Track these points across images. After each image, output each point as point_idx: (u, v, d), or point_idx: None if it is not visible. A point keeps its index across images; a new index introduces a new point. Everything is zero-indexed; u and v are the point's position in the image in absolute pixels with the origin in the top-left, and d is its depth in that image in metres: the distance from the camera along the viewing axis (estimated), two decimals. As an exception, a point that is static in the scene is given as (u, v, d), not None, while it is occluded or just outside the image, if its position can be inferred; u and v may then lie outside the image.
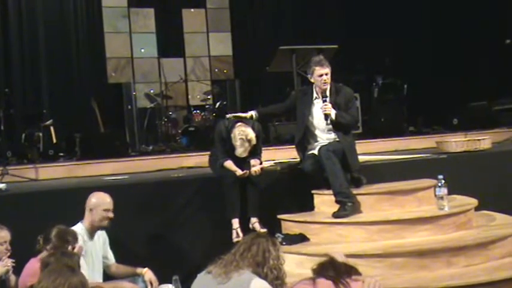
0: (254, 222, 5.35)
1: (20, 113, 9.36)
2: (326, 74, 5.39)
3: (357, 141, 5.84)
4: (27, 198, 5.34)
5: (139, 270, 4.68)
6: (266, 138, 8.39)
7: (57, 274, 2.82)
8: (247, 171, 5.32)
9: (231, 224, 5.30)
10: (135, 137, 10.12)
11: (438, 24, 12.12)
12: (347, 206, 5.16)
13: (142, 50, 11.57)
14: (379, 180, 5.79)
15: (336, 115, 5.37)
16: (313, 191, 5.61)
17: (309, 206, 5.61)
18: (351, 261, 3.23)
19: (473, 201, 5.46)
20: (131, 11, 11.50)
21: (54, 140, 8.64)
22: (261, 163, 5.46)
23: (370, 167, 6.13)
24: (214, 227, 5.52)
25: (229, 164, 5.37)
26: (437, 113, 10.62)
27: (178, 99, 11.41)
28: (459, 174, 6.13)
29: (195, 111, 10.43)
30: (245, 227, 5.27)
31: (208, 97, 10.90)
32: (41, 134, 8.49)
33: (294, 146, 5.77)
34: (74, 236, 4.14)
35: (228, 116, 5.67)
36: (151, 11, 11.64)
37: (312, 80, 5.50)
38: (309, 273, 3.11)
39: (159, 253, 5.33)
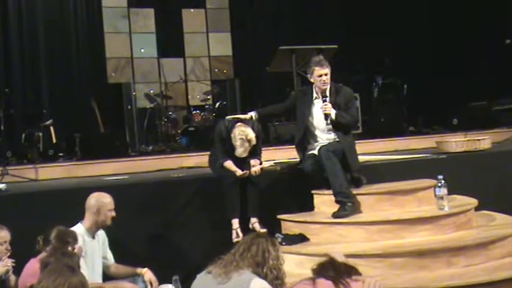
0: (254, 223, 5.35)
1: (20, 113, 9.36)
2: (326, 74, 5.39)
3: (357, 141, 5.83)
4: (27, 199, 5.34)
5: (139, 270, 4.68)
6: (266, 138, 8.39)
7: (57, 274, 2.82)
8: (247, 171, 5.32)
9: (231, 224, 5.30)
10: (135, 137, 10.10)
11: (438, 24, 12.13)
12: (347, 206, 5.15)
13: (142, 50, 11.57)
14: (379, 180, 5.79)
15: (336, 115, 5.37)
16: (313, 191, 5.61)
17: (308, 206, 5.61)
18: (351, 261, 3.23)
19: (473, 201, 5.46)
20: (131, 11, 11.50)
21: (54, 140, 8.64)
22: (260, 163, 5.46)
23: (370, 167, 6.13)
24: (214, 227, 5.52)
25: (229, 164, 5.37)
26: (437, 113, 10.62)
27: (178, 100, 11.41)
28: (459, 174, 6.13)
29: (195, 111, 10.44)
30: (245, 227, 5.27)
31: (208, 97, 10.90)
32: (41, 134, 8.49)
33: (293, 146, 5.77)
34: (74, 237, 4.13)
35: (227, 117, 5.68)
36: (151, 11, 11.64)
37: (312, 80, 5.50)
38: (309, 274, 3.11)
39: (159, 253, 5.33)
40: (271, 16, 12.06)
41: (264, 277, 3.27)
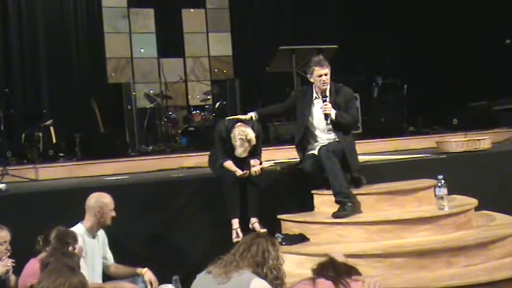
0: (254, 223, 5.34)
1: (20, 113, 9.37)
2: (325, 75, 5.39)
3: (357, 141, 5.83)
4: (27, 199, 5.34)
5: (139, 270, 4.68)
6: (266, 138, 8.39)
7: (57, 274, 2.82)
8: (247, 171, 5.32)
9: (230, 224, 5.29)
10: (135, 137, 10.10)
11: (438, 24, 12.13)
12: (347, 206, 5.15)
13: (142, 50, 11.57)
14: (379, 180, 5.79)
15: (336, 115, 5.37)
16: (313, 191, 5.61)
17: (308, 206, 5.61)
18: (351, 261, 3.23)
19: (473, 201, 5.46)
20: (131, 11, 11.50)
21: (54, 140, 8.64)
22: (260, 163, 5.46)
23: (370, 167, 6.13)
24: (214, 227, 5.52)
25: (229, 164, 5.36)
26: (437, 113, 10.62)
27: (178, 100, 11.41)
28: (459, 174, 6.13)
29: (194, 112, 10.44)
30: (245, 227, 5.27)
31: (208, 97, 10.90)
32: (40, 134, 8.49)
33: (293, 146, 5.77)
34: (74, 238, 4.13)
35: (227, 118, 5.68)
36: (151, 11, 11.64)
37: (312, 80, 5.50)
38: (309, 274, 3.11)
39: (159, 253, 5.32)
40: (271, 16, 12.06)
41: (264, 277, 3.27)
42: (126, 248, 5.15)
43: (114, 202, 4.66)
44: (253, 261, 3.31)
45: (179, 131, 9.85)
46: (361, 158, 5.84)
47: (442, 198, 5.10)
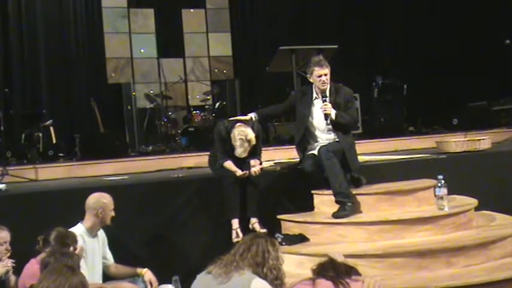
0: (254, 223, 5.34)
1: (20, 113, 9.37)
2: (325, 75, 5.39)
3: (356, 141, 5.84)
4: (27, 199, 5.33)
5: (139, 270, 4.68)
6: (266, 138, 8.40)
7: (57, 274, 2.82)
8: (247, 171, 5.32)
9: (230, 224, 5.29)
10: (135, 138, 10.12)
11: (438, 24, 12.14)
12: (347, 206, 5.15)
13: (142, 51, 11.57)
14: (379, 180, 5.79)
15: (336, 115, 5.37)
16: (313, 191, 5.61)
17: (308, 206, 5.61)
18: (351, 262, 3.23)
19: (473, 201, 5.46)
20: (131, 12, 11.50)
21: (54, 140, 8.64)
22: (260, 163, 5.46)
23: (370, 167, 6.13)
24: (214, 227, 5.52)
25: (229, 164, 5.36)
26: (437, 113, 10.64)
27: (178, 100, 11.41)
28: (459, 174, 6.13)
29: (194, 112, 10.44)
30: (245, 227, 5.27)
31: (208, 97, 10.90)
32: (40, 134, 8.49)
33: (293, 146, 5.77)
34: (73, 239, 4.13)
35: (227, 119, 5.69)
36: (150, 12, 11.64)
37: (311, 80, 5.50)
38: (309, 274, 3.10)
39: (159, 253, 5.32)
40: (271, 16, 12.05)
41: (264, 277, 3.28)
42: (126, 248, 5.15)
43: (114, 202, 4.66)
44: (253, 261, 3.31)
45: (179, 131, 9.85)
46: (361, 158, 5.84)
47: (442, 198, 5.09)
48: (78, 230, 4.48)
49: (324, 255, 3.29)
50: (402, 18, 12.27)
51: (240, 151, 5.31)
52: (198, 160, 7.05)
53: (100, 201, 4.61)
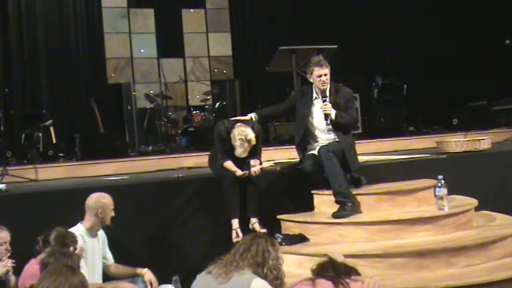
0: (254, 223, 5.34)
1: (20, 113, 9.37)
2: (325, 75, 5.39)
3: (356, 141, 5.84)
4: (27, 199, 5.33)
5: (139, 270, 4.68)
6: (266, 138, 8.39)
7: (57, 274, 2.82)
8: (247, 171, 5.32)
9: (230, 224, 5.29)
10: (135, 138, 10.12)
11: (438, 24, 12.13)
12: (347, 206, 5.15)
13: (142, 51, 11.57)
14: (379, 180, 5.79)
15: (336, 115, 5.37)
16: (313, 191, 5.61)
17: (308, 206, 5.61)
18: (351, 262, 3.23)
19: (473, 201, 5.46)
20: (131, 12, 11.50)
21: (54, 141, 8.63)
22: (260, 163, 5.45)
23: (370, 167, 6.13)
24: (214, 227, 5.52)
25: (229, 164, 5.36)
26: (437, 113, 10.63)
27: (177, 100, 11.41)
28: (459, 174, 6.13)
29: (194, 112, 10.44)
30: (245, 227, 5.27)
31: (208, 97, 10.90)
32: (40, 134, 8.48)
33: (293, 146, 5.77)
34: (73, 239, 4.13)
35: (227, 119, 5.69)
36: (150, 12, 11.64)
37: (311, 80, 5.50)
38: (309, 274, 3.10)
39: (159, 253, 5.32)
40: (271, 16, 12.05)
41: (264, 277, 3.28)
42: (126, 248, 5.15)
43: (114, 202, 4.66)
44: (253, 261, 3.31)
45: (179, 131, 9.85)
46: (361, 158, 5.84)
47: (442, 198, 5.09)
48: (78, 230, 4.48)
49: (323, 255, 3.29)
50: (402, 18, 12.27)
51: (240, 151, 5.31)
52: (198, 160, 7.04)
53: (100, 201, 4.61)
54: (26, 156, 8.24)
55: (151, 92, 10.96)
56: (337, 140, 5.43)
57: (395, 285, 4.32)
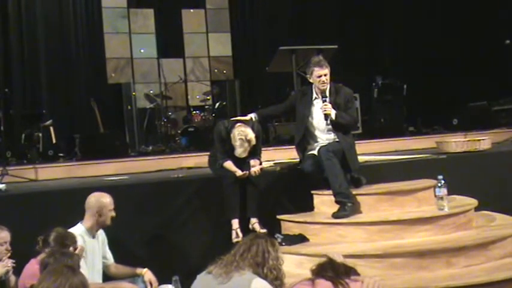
0: (254, 223, 5.34)
1: (20, 113, 9.37)
2: (325, 75, 5.39)
3: (356, 142, 5.83)
4: (27, 199, 5.33)
5: (139, 270, 4.68)
6: (266, 138, 8.39)
7: (58, 274, 2.82)
8: (247, 171, 5.31)
9: (230, 225, 5.29)
10: (135, 138, 10.13)
11: (438, 24, 12.14)
12: (347, 207, 5.15)
13: (142, 51, 11.58)
14: (379, 180, 5.79)
15: (336, 115, 5.37)
16: (312, 192, 5.61)
17: (308, 207, 5.61)
18: (351, 262, 3.23)
19: (473, 202, 5.46)
20: (131, 12, 11.51)
21: (54, 141, 8.64)
22: (260, 163, 5.45)
23: (370, 167, 6.13)
24: (214, 228, 5.52)
25: (228, 164, 5.36)
26: (437, 113, 10.63)
27: (177, 100, 11.42)
28: (459, 175, 6.13)
29: (194, 112, 10.45)
30: (245, 228, 5.27)
31: (208, 97, 10.90)
32: (40, 134, 8.49)
33: (293, 146, 5.77)
34: (73, 240, 4.13)
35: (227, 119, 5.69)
36: (150, 12, 11.65)
37: (311, 81, 5.50)
38: (309, 274, 3.10)
39: (159, 253, 5.32)
40: (271, 16, 12.06)
41: (264, 277, 3.29)
42: (126, 248, 5.15)
43: (114, 202, 4.66)
44: (253, 261, 3.32)
45: (179, 131, 9.86)
46: (361, 158, 5.84)
47: (442, 198, 5.09)
48: (78, 230, 4.48)
49: (323, 255, 3.29)
50: (402, 18, 12.27)
51: (240, 151, 5.31)
52: (198, 160, 7.04)
53: (99, 200, 4.60)
54: (26, 156, 8.24)
55: (151, 92, 10.96)
56: (337, 140, 5.43)
57: (395, 285, 4.32)
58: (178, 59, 11.78)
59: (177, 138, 9.81)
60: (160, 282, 4.63)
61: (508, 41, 8.78)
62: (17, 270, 4.11)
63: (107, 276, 4.71)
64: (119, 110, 10.57)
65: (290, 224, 5.42)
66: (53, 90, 10.35)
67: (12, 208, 5.13)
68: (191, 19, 12.00)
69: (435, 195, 5.16)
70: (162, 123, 10.04)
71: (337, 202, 5.21)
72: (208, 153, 5.92)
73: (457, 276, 4.43)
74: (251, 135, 5.29)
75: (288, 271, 3.51)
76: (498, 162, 6.78)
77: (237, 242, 4.14)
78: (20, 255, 4.18)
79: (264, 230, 5.15)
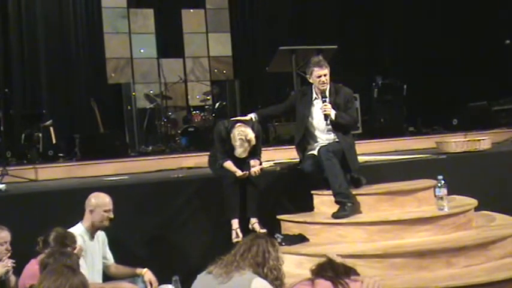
0: (254, 223, 5.34)
1: (20, 113, 9.37)
2: (325, 75, 5.39)
3: (356, 142, 5.84)
4: (27, 199, 5.33)
5: (138, 270, 4.68)
6: (266, 138, 8.39)
7: (58, 274, 2.82)
8: (247, 171, 5.31)
9: (230, 225, 5.29)
10: (135, 138, 10.13)
11: (438, 24, 12.14)
12: (347, 207, 5.15)
13: (142, 51, 11.58)
14: (379, 180, 5.79)
15: (336, 115, 5.37)
16: (312, 192, 5.61)
17: (308, 207, 5.61)
18: (351, 262, 3.23)
19: (473, 202, 5.45)
20: (131, 12, 11.51)
21: (54, 141, 8.64)
22: (260, 163, 5.45)
23: (370, 167, 6.13)
24: (214, 228, 5.52)
25: (228, 164, 5.36)
26: (437, 113, 10.63)
27: (177, 100, 11.42)
28: (459, 175, 6.13)
29: (194, 112, 10.45)
30: (245, 228, 5.27)
31: (208, 97, 10.90)
32: (40, 135, 8.49)
33: (293, 147, 5.77)
34: (72, 239, 4.13)
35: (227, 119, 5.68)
36: (150, 12, 11.65)
37: (311, 81, 5.50)
38: (309, 274, 3.11)
39: (159, 253, 5.32)
40: (271, 16, 12.06)
41: (264, 277, 3.29)
42: (126, 248, 5.15)
43: (114, 202, 4.63)
44: (253, 261, 3.32)
45: (179, 132, 9.86)
46: (361, 158, 5.84)
47: (441, 198, 5.09)
48: (78, 229, 4.48)
49: (323, 255, 3.29)
50: (402, 18, 12.27)
51: (240, 151, 5.31)
52: (198, 160, 7.04)
53: (94, 200, 4.58)
54: (26, 156, 8.24)
55: (151, 92, 10.96)
56: (337, 140, 5.43)
57: (395, 285, 4.32)
58: (178, 59, 11.78)
59: (177, 138, 9.81)
60: (160, 282, 4.63)
61: (508, 41, 8.78)
62: (17, 270, 4.11)
63: (107, 277, 4.71)
64: (118, 110, 10.57)
65: (290, 224, 5.42)
66: (53, 90, 10.35)
67: (12, 208, 5.13)
68: (191, 19, 12.00)
69: (435, 195, 5.16)
70: (162, 123, 10.04)
71: (337, 202, 5.21)
72: (208, 153, 5.92)
73: (457, 276, 4.42)
74: (251, 135, 5.29)
75: (288, 271, 3.52)
76: (498, 162, 6.78)
77: (237, 242, 4.14)
78: (20, 255, 4.18)
79: (264, 230, 5.15)
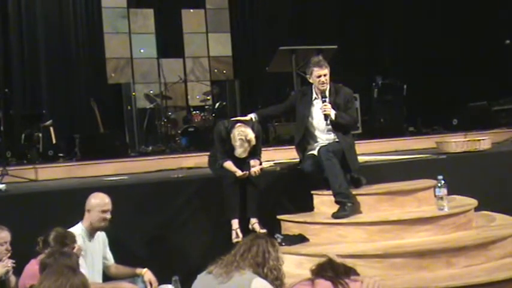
0: (254, 223, 5.34)
1: (20, 113, 9.37)
2: (324, 75, 5.39)
3: (356, 142, 5.84)
4: (27, 199, 5.33)
5: (138, 270, 4.67)
6: (266, 138, 8.39)
7: (58, 274, 2.82)
8: (247, 172, 5.31)
9: (230, 225, 5.29)
10: (135, 138, 10.12)
11: (438, 24, 12.14)
12: (347, 207, 5.15)
13: (142, 51, 11.57)
14: (379, 180, 5.79)
15: (336, 115, 5.37)
16: (312, 192, 5.61)
17: (308, 207, 5.61)
18: (351, 262, 3.23)
19: (473, 202, 5.46)
20: (131, 12, 11.51)
21: (54, 141, 8.63)
22: (260, 164, 5.45)
23: (370, 167, 6.13)
24: (214, 228, 5.52)
25: (228, 164, 5.36)
26: (437, 113, 10.64)
27: (177, 100, 11.42)
28: (459, 175, 6.13)
29: (194, 112, 10.44)
30: (245, 228, 5.27)
31: (208, 97, 10.90)
32: (40, 135, 8.48)
33: (293, 147, 5.77)
34: (72, 239, 4.13)
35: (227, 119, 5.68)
36: (150, 12, 11.64)
37: (311, 81, 5.51)
38: (309, 274, 3.11)
39: (159, 253, 5.32)
40: (271, 16, 12.06)
41: (265, 277, 3.29)
42: (126, 248, 5.14)
43: (114, 202, 4.63)
44: (253, 261, 3.32)
45: (179, 132, 9.86)
46: (361, 158, 5.84)
47: (441, 198, 5.10)
48: (78, 229, 4.48)
49: (323, 255, 3.29)
50: (402, 18, 12.27)
51: (240, 151, 5.31)
52: (198, 160, 7.04)
53: (91, 201, 4.57)
54: (26, 156, 8.24)
55: (151, 92, 10.96)
56: (337, 140, 5.43)
57: (395, 285, 4.32)
58: (178, 59, 11.77)
59: (177, 138, 9.80)
60: (160, 282, 4.63)
61: (508, 41, 8.78)
62: (17, 271, 4.11)
63: (107, 277, 4.71)
64: (118, 110, 10.56)
65: (290, 224, 5.42)
66: (53, 90, 10.35)
67: (12, 208, 5.13)
68: (191, 19, 12.00)
69: (435, 195, 5.17)
70: (162, 123, 10.03)
71: (337, 202, 5.21)
72: (208, 153, 5.92)
73: (457, 276, 4.43)
74: (251, 135, 5.29)
75: (288, 271, 3.52)
76: (498, 162, 6.78)
77: (237, 242, 4.14)
78: (20, 255, 4.18)
79: (264, 230, 5.15)
